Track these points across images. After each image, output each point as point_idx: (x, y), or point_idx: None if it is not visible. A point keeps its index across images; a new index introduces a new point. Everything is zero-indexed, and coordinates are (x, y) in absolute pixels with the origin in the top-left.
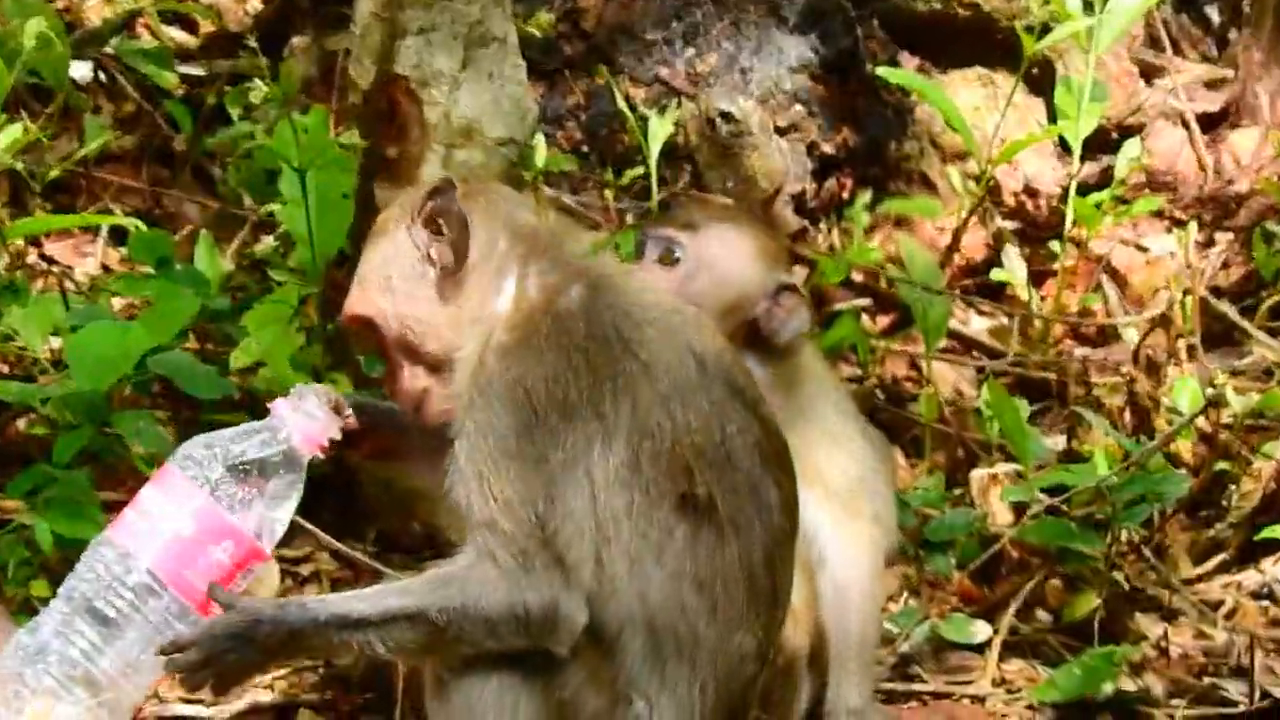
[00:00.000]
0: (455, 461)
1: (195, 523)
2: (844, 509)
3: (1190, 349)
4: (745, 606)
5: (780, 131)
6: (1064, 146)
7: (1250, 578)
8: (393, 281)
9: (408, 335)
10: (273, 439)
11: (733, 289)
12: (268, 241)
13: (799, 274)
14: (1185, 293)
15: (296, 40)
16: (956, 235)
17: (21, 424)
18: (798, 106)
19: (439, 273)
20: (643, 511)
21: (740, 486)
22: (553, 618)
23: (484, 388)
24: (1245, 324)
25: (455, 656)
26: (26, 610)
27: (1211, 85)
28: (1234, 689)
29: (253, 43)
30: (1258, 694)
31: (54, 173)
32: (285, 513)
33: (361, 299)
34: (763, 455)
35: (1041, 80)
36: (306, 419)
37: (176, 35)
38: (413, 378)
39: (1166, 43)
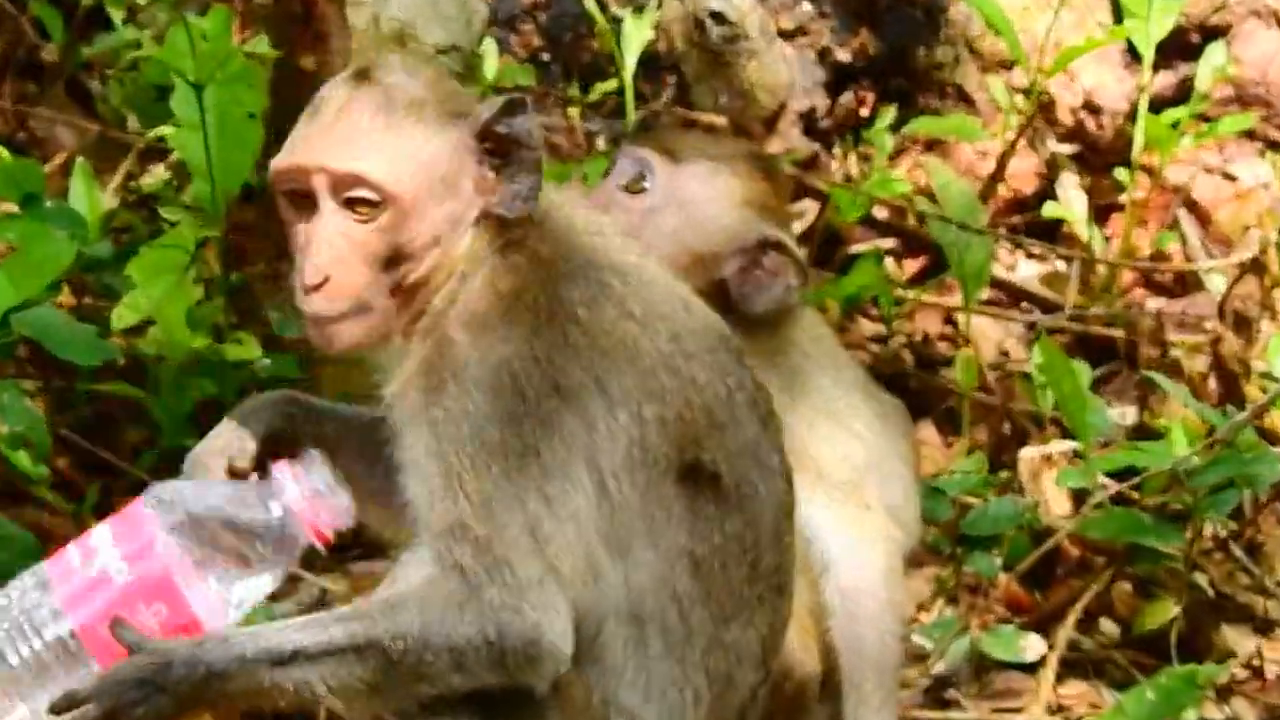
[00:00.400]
0: (411, 454)
1: (132, 572)
2: (849, 501)
3: None
4: (747, 589)
5: (785, 35)
6: (1132, 53)
7: None
8: (440, 187)
9: (419, 255)
10: (261, 507)
11: (703, 237)
12: (158, 173)
13: (809, 210)
14: None
15: None
16: (1001, 162)
17: None
18: (806, 5)
19: (494, 210)
20: (644, 489)
21: (745, 450)
22: (535, 646)
23: (458, 370)
24: None
25: (412, 697)
26: None
27: None
28: None
29: None
30: None
31: None
32: (248, 594)
33: (387, 166)
34: (760, 414)
35: None
36: (311, 495)
37: None
38: (372, 285)
39: None
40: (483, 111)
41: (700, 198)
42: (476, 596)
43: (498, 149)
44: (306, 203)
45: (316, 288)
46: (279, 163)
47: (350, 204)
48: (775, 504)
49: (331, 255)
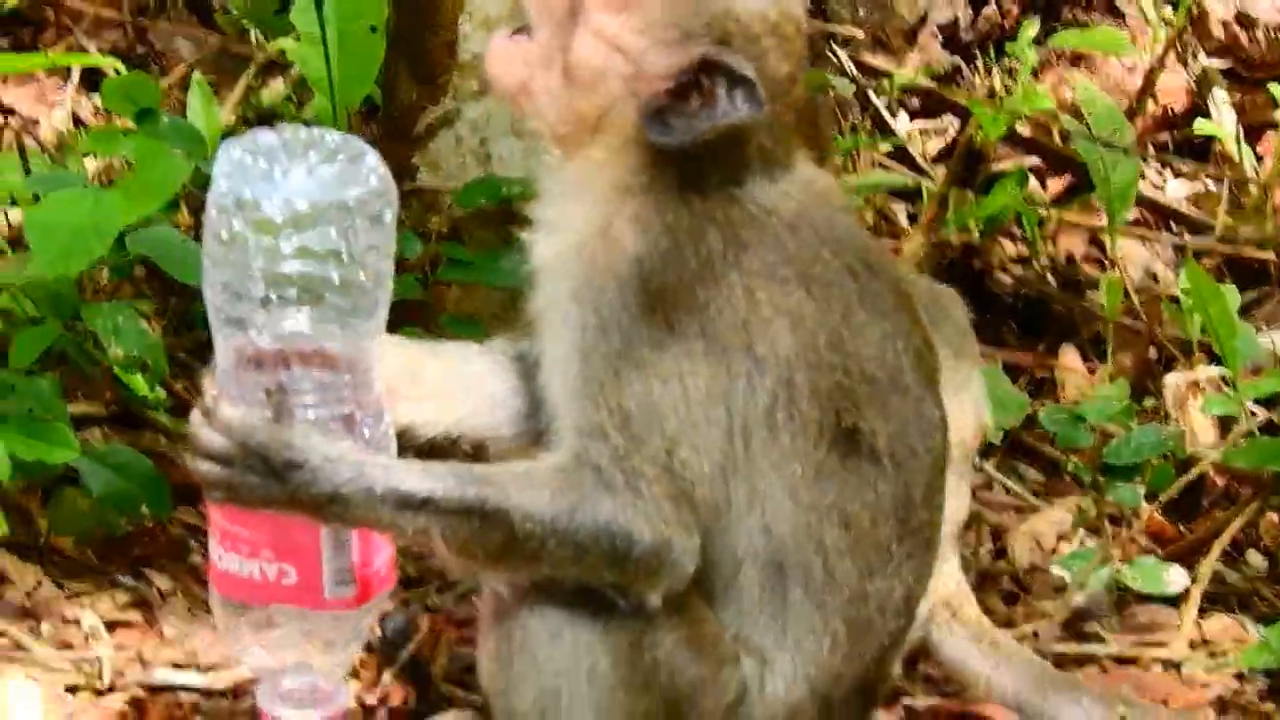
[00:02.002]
0: (556, 349)
1: None
2: None
3: None
4: (896, 546)
5: None
6: None
7: None
8: (644, 29)
9: (587, 68)
10: None
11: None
12: (277, 87)
13: (949, 126)
14: None
15: None
16: (1149, 77)
17: None
18: None
19: (644, 107)
20: (787, 448)
21: (907, 412)
22: (659, 558)
23: (617, 274)
24: None
25: (526, 574)
26: None
27: None
28: None
29: None
30: None
31: (10, 2)
32: None
33: None
34: (925, 369)
35: None
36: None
37: None
38: (551, 38)
39: None
40: (726, 50)
41: None
42: (610, 497)
43: (700, 81)
44: None
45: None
46: None
47: None
48: (932, 462)
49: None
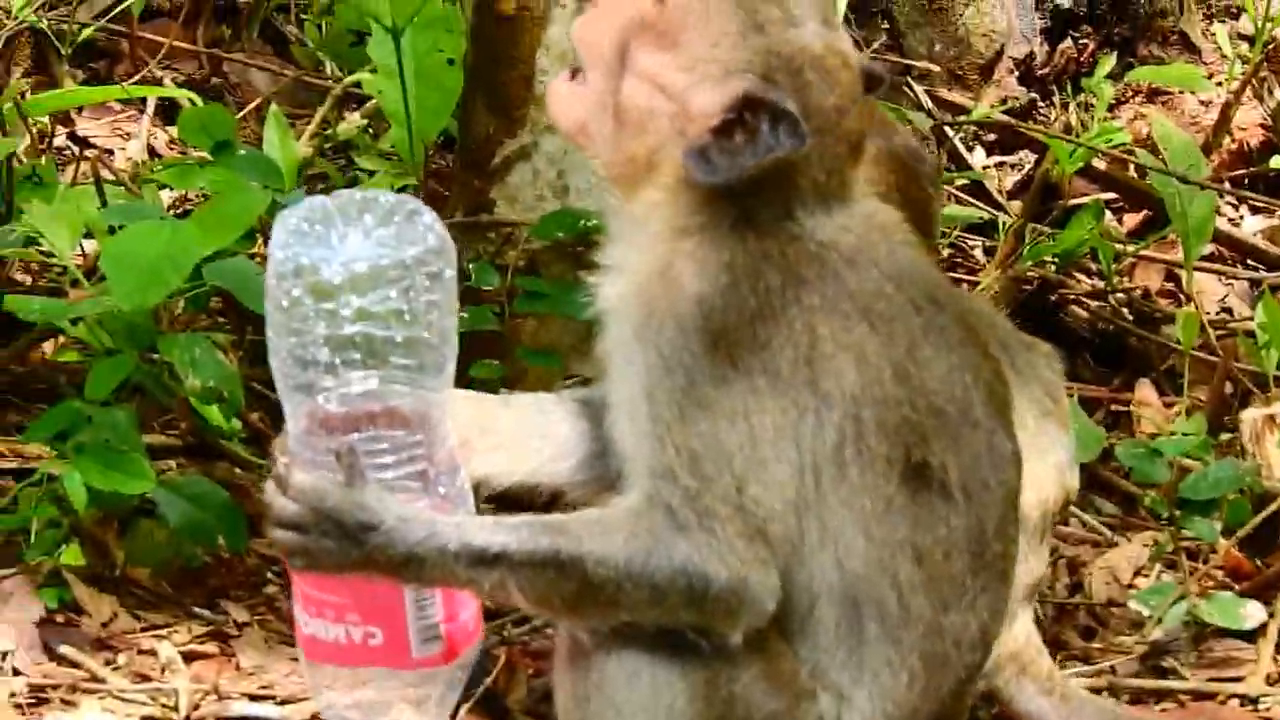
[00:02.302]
0: (621, 393)
1: None
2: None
3: None
4: (970, 579)
5: None
6: None
7: None
8: (677, 64)
9: (632, 104)
10: None
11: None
12: (353, 119)
13: (1026, 161)
14: None
15: None
16: (1225, 112)
17: (47, 349)
18: None
19: (687, 148)
20: (857, 484)
21: (978, 446)
22: (738, 597)
23: (678, 315)
24: None
25: (605, 620)
26: (55, 583)
27: None
28: None
29: None
30: None
31: (87, 33)
32: None
33: (637, 27)
34: (996, 402)
35: None
36: None
37: None
38: (605, 73)
39: None
40: (768, 85)
41: None
42: (685, 538)
43: (743, 119)
44: None
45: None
46: None
47: None
48: (1005, 495)
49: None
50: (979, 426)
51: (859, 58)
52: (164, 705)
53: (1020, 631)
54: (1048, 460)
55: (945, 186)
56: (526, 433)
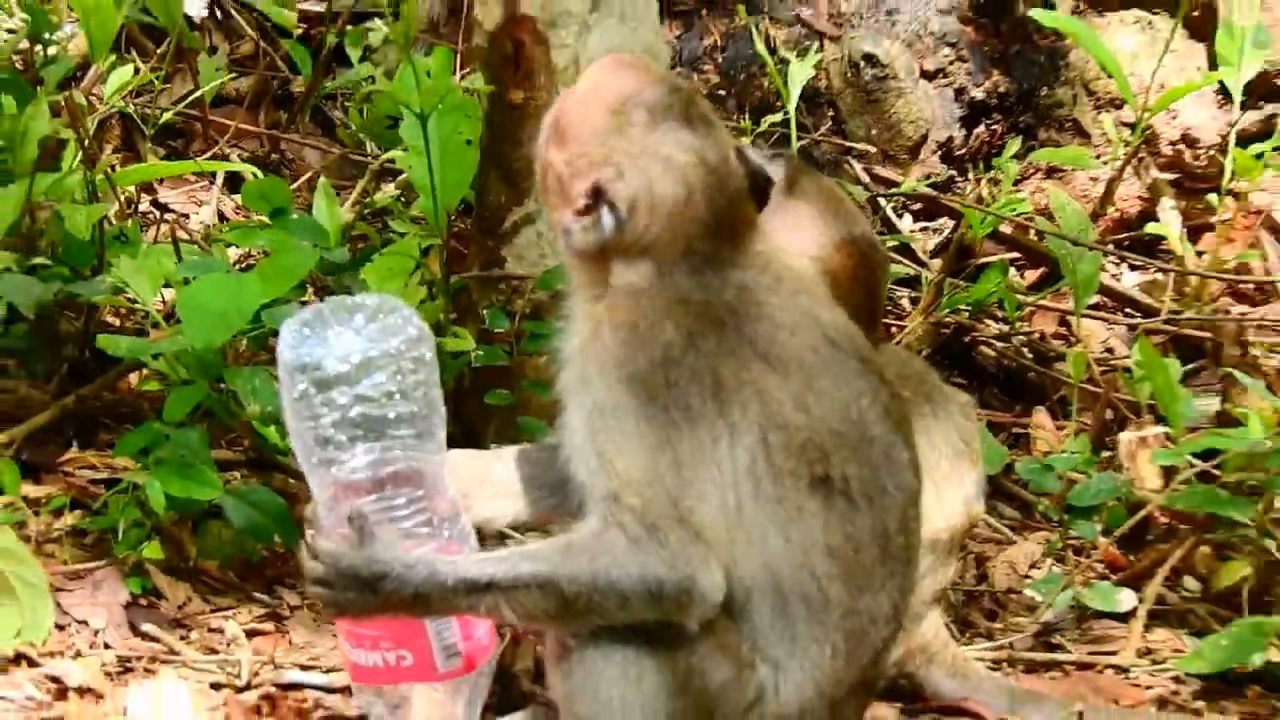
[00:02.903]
0: (570, 434)
1: None
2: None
3: None
4: (878, 567)
5: (927, 76)
6: (1225, 94)
7: None
8: (565, 161)
9: (541, 177)
10: None
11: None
12: (389, 190)
13: (945, 226)
14: None
15: None
16: (1110, 187)
17: (133, 380)
18: (946, 50)
19: (561, 224)
20: (771, 495)
21: (875, 458)
22: (688, 593)
23: (603, 367)
24: None
25: (585, 625)
26: (138, 573)
27: None
28: None
29: None
30: None
31: (167, 116)
32: None
33: (567, 109)
34: (892, 419)
35: (1203, 24)
36: None
37: None
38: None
39: None
40: (607, 183)
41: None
42: (639, 550)
43: (592, 204)
44: None
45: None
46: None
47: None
48: (904, 497)
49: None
50: (876, 442)
51: (754, 159)
52: (229, 673)
53: (928, 628)
54: (958, 493)
55: None
56: (515, 480)
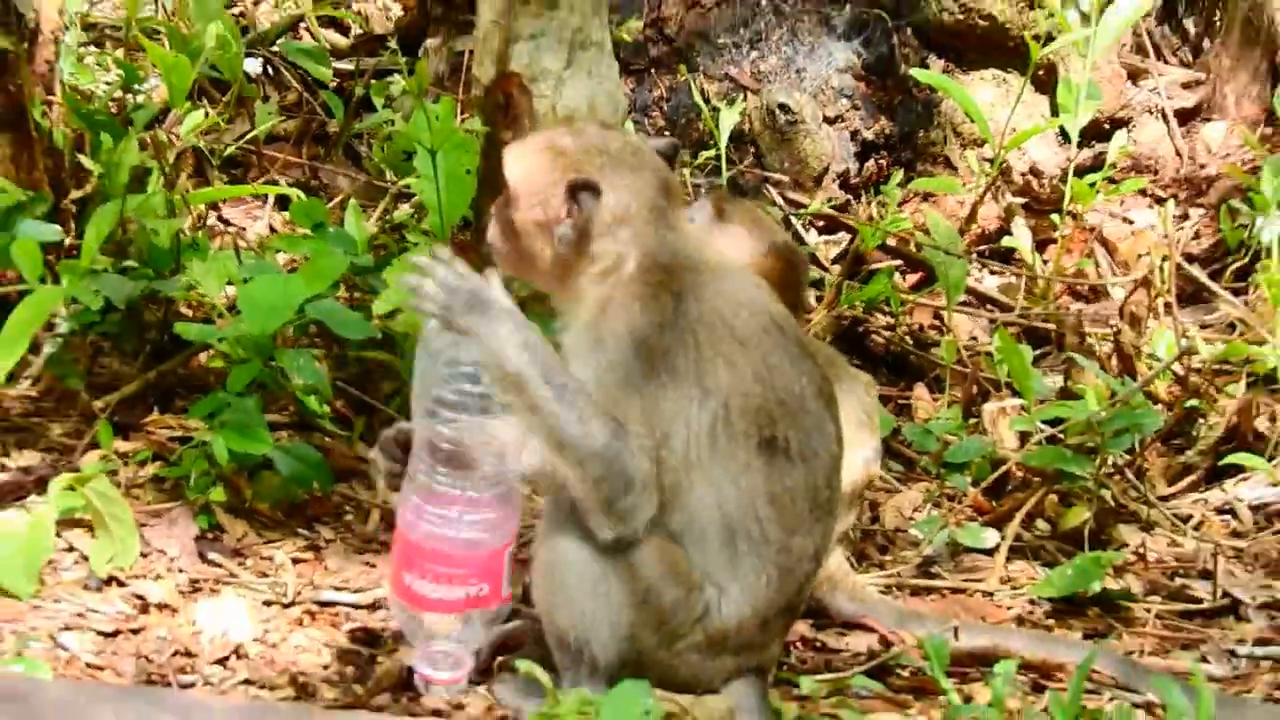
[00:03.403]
0: (572, 365)
1: None
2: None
3: (1167, 305)
4: (808, 515)
5: (829, 121)
6: (1064, 135)
7: (1215, 496)
8: (534, 200)
9: (519, 235)
10: None
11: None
12: (405, 209)
13: (843, 239)
14: (1163, 259)
15: (430, 42)
16: (973, 209)
17: (202, 358)
18: (844, 100)
19: (555, 238)
20: (727, 450)
21: (810, 426)
22: (630, 486)
23: (613, 336)
24: (1213, 285)
25: (558, 476)
26: (206, 512)
27: (1188, 86)
28: (1200, 589)
29: (394, 44)
30: (1220, 593)
31: (230, 150)
32: None
33: (516, 170)
34: (824, 396)
35: (1046, 80)
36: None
37: (331, 37)
38: (500, 237)
39: (1150, 50)
40: (574, 177)
41: (723, 245)
42: (605, 435)
43: (575, 204)
44: None
45: (487, 221)
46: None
47: (505, 183)
48: (830, 459)
49: (495, 207)
50: (811, 413)
51: (647, 141)
52: (277, 593)
53: (833, 562)
54: (860, 455)
55: None
56: None
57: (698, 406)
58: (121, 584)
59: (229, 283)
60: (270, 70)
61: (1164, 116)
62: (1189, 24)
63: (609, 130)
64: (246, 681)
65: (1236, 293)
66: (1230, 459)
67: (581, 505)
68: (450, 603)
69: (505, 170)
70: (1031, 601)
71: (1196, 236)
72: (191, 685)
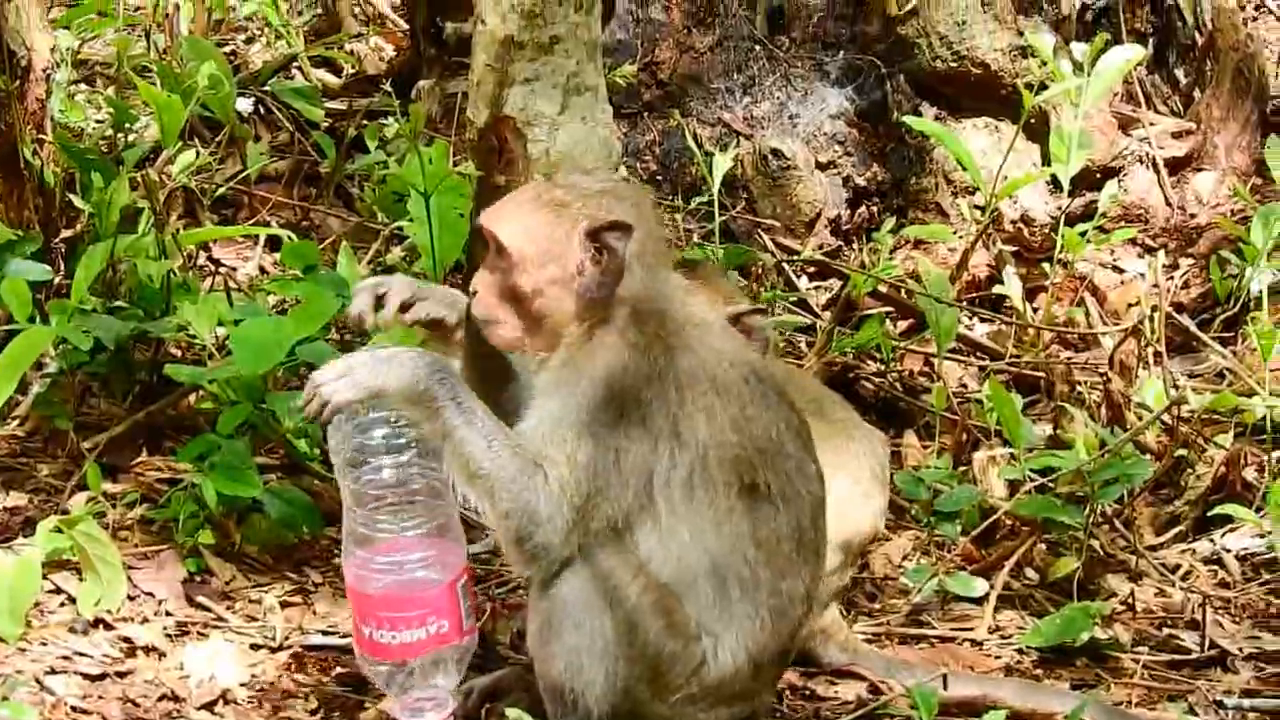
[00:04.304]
0: (537, 408)
1: None
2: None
3: (1156, 355)
4: (795, 557)
5: (821, 167)
6: (1055, 184)
7: (1203, 547)
8: (546, 258)
9: (530, 298)
10: None
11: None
12: (397, 252)
13: (835, 285)
14: (1153, 308)
15: (423, 84)
16: (964, 256)
17: (192, 400)
18: (836, 147)
19: (581, 289)
20: (707, 499)
21: (791, 469)
22: (538, 525)
23: (592, 374)
24: (1202, 335)
25: (475, 495)
26: (194, 555)
27: (1178, 135)
28: (1188, 639)
29: (387, 86)
30: (1207, 644)
31: (221, 191)
32: None
33: (514, 235)
34: (802, 439)
35: (1038, 129)
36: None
37: (324, 77)
38: (500, 305)
39: (1141, 99)
40: (596, 221)
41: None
42: (515, 468)
43: (598, 249)
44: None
45: (473, 296)
46: (480, 220)
47: (496, 251)
48: (813, 501)
49: (480, 281)
50: (791, 456)
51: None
52: (265, 637)
53: (829, 616)
54: (872, 507)
55: (781, 300)
56: None
57: (669, 460)
58: (109, 627)
59: (219, 324)
60: (262, 110)
61: (1155, 166)
62: (1180, 74)
63: (592, 172)
64: None
65: (1225, 343)
66: (1219, 509)
67: (496, 539)
68: (414, 645)
69: (497, 237)
70: (1020, 651)
71: (1186, 286)
72: None
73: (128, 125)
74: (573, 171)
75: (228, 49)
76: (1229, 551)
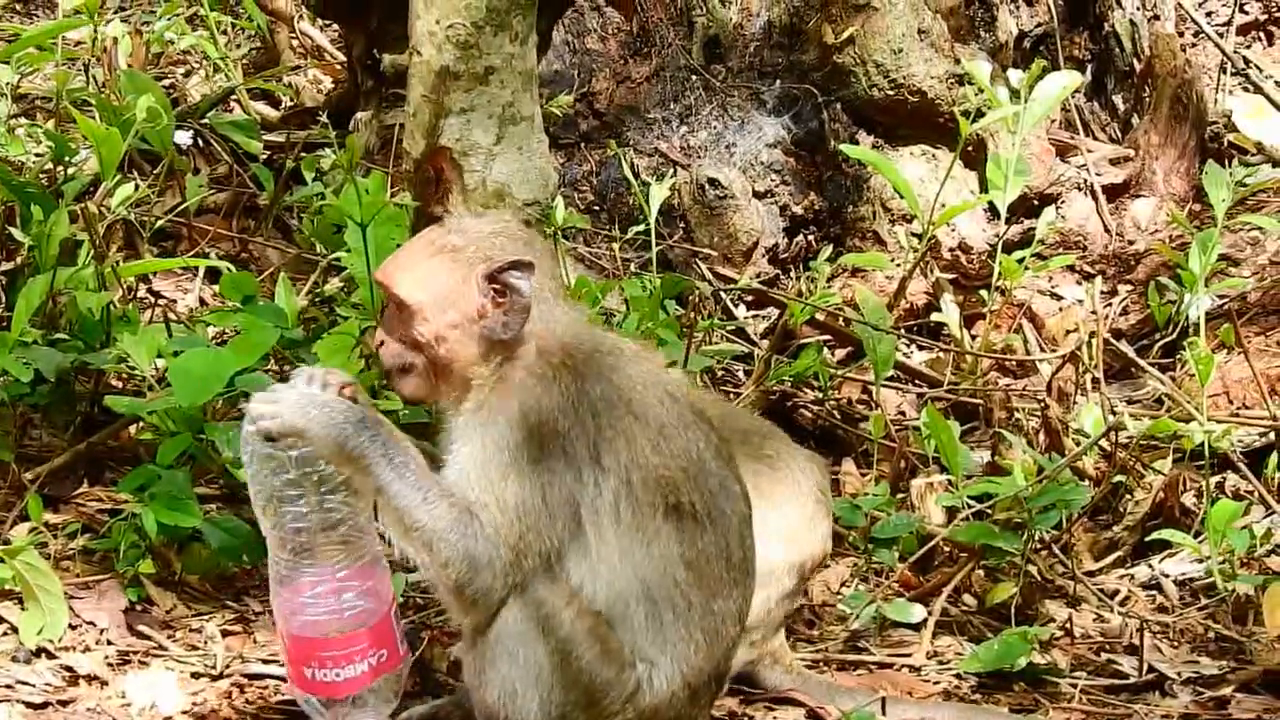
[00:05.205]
0: (458, 454)
1: None
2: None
3: (1094, 381)
4: (725, 576)
5: (758, 196)
6: (993, 211)
7: (1141, 572)
8: (445, 305)
9: (434, 346)
10: None
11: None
12: (335, 283)
13: (773, 314)
14: (1091, 334)
15: (361, 116)
16: (902, 284)
17: (132, 431)
18: (773, 175)
19: (486, 331)
20: (633, 523)
21: (714, 488)
22: (478, 571)
23: (507, 414)
24: (1141, 361)
25: (396, 529)
26: (135, 584)
27: (1116, 162)
28: (1126, 664)
29: (325, 118)
30: (1145, 668)
31: (160, 223)
32: None
33: (411, 286)
34: (723, 457)
35: (975, 156)
36: None
37: (262, 110)
38: (405, 355)
39: (1080, 126)
40: (495, 264)
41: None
42: (450, 518)
43: (498, 290)
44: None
45: (379, 347)
46: (376, 274)
47: (395, 303)
48: (739, 518)
49: (384, 332)
50: (713, 475)
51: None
52: (206, 665)
53: (778, 640)
54: (816, 534)
55: (719, 329)
56: None
57: (594, 488)
58: (51, 656)
59: (159, 355)
60: (201, 143)
61: (1093, 193)
62: (1118, 100)
63: (482, 215)
64: None
65: (1164, 369)
66: (1157, 535)
67: (434, 588)
68: (358, 679)
69: (395, 290)
70: (958, 676)
71: (1124, 312)
72: None
73: (67, 158)
74: (464, 216)
75: (166, 82)
76: (1167, 576)
